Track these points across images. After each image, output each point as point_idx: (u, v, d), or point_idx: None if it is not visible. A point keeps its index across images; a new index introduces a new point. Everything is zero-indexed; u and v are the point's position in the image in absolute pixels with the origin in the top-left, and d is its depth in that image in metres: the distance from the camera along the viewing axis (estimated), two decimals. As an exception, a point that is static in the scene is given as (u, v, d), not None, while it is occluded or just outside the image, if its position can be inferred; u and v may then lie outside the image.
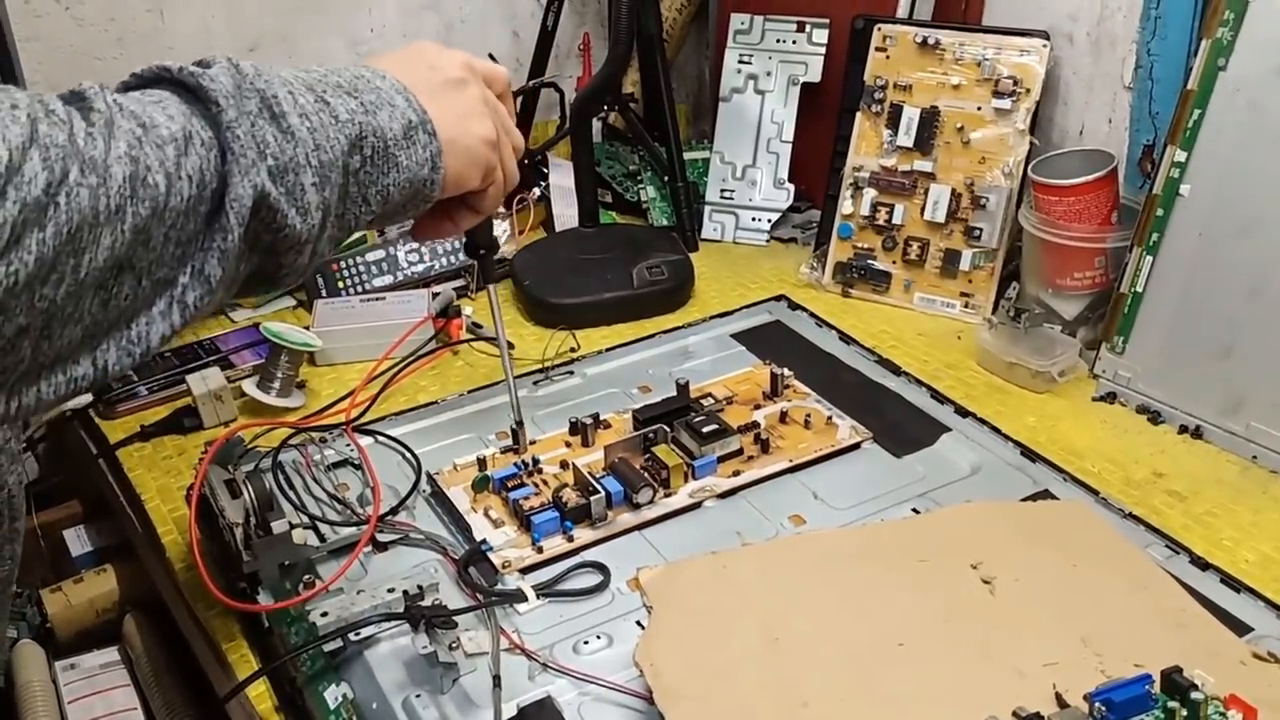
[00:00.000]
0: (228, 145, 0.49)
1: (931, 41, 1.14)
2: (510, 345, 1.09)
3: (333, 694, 0.72)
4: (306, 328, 1.07)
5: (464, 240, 0.84)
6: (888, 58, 1.16)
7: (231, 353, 1.09)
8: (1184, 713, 0.54)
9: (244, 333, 1.13)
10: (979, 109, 1.12)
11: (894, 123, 1.16)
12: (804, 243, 1.31)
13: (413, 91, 0.59)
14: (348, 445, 0.92)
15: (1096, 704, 0.55)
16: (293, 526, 0.79)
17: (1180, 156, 0.95)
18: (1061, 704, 0.58)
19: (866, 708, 0.60)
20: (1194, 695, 0.54)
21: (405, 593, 0.74)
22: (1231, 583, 0.77)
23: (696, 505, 0.86)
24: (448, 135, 0.60)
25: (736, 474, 0.88)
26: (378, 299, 1.13)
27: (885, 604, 0.68)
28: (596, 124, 1.42)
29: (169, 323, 0.48)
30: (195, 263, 0.48)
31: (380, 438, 0.94)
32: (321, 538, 0.82)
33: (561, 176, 1.32)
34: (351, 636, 0.72)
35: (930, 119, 1.14)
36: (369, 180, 0.56)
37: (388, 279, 1.19)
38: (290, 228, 0.51)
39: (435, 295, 1.13)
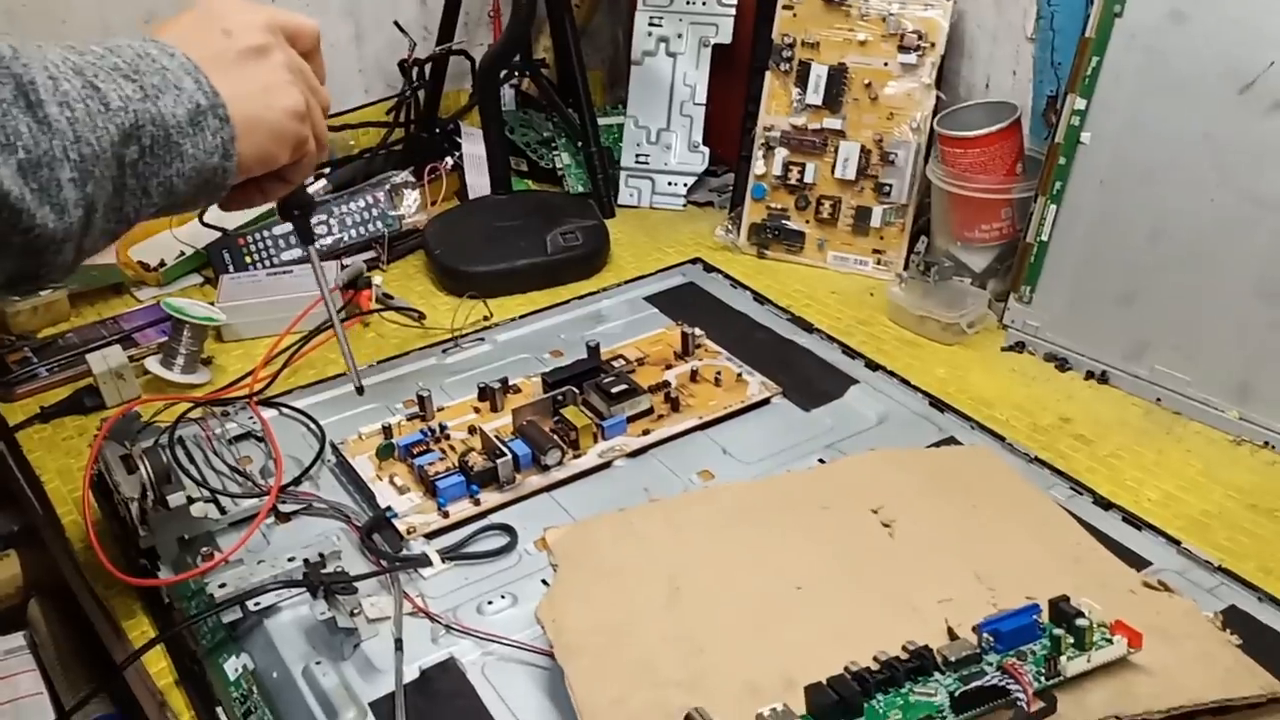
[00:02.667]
0: None
1: (837, -2, 1.14)
2: (421, 315, 1.08)
3: (233, 665, 0.70)
4: (212, 304, 1.05)
5: (278, 202, 0.77)
6: (795, 15, 1.16)
7: (135, 331, 1.07)
8: (1070, 640, 0.55)
9: (148, 311, 1.11)
10: (886, 65, 1.12)
11: (803, 81, 1.15)
12: (721, 206, 1.31)
13: (205, 69, 0.55)
14: (251, 419, 0.90)
15: (985, 634, 0.56)
16: (191, 500, 0.77)
17: (1080, 104, 0.95)
18: (953, 637, 0.58)
19: (761, 650, 0.60)
20: (1079, 622, 0.55)
21: (306, 561, 0.73)
22: (1133, 521, 0.78)
23: (606, 465, 0.85)
24: (246, 114, 0.56)
25: (646, 433, 0.88)
26: (285, 272, 1.11)
27: (786, 551, 0.68)
28: (509, 91, 1.40)
29: None
30: None
31: (284, 410, 0.93)
32: (222, 510, 0.80)
33: (474, 145, 1.30)
34: (250, 606, 0.71)
35: (838, 76, 1.14)
36: (149, 172, 0.52)
37: (296, 252, 1.17)
38: (42, 227, 0.47)
39: (344, 267, 1.11)
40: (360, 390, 0.87)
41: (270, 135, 0.58)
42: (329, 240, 1.18)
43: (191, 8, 0.59)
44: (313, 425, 0.90)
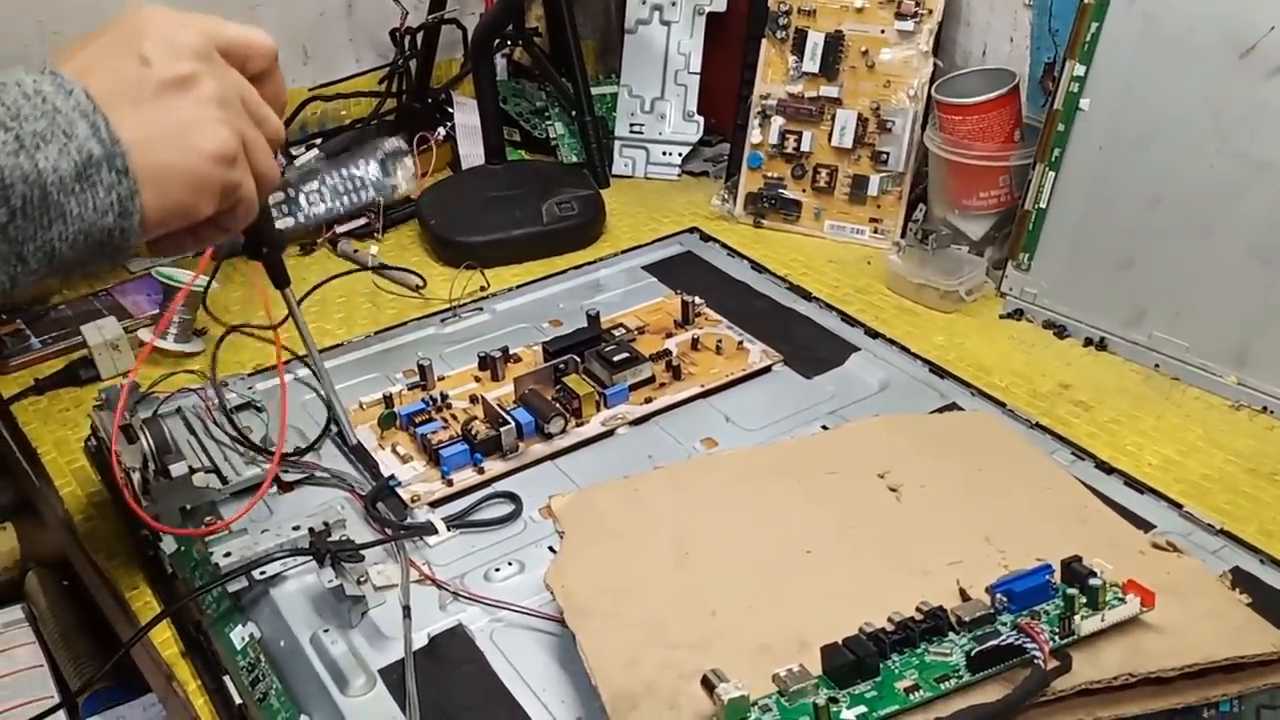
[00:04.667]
0: None
1: (834, -35, 1.13)
2: (422, 282, 1.08)
3: (239, 634, 0.70)
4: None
5: (241, 241, 0.65)
6: (791, -17, 1.15)
7: (128, 302, 1.06)
8: (1083, 599, 0.55)
9: (141, 283, 1.10)
10: (882, 32, 1.12)
11: (799, 49, 1.15)
12: (716, 176, 1.30)
13: (110, 106, 0.47)
14: (249, 388, 0.90)
15: (998, 595, 0.56)
16: (193, 470, 0.77)
17: (1079, 70, 0.95)
18: (965, 598, 0.58)
19: (773, 612, 0.60)
20: (1092, 582, 0.55)
21: (311, 530, 0.73)
22: (1135, 485, 0.79)
23: (609, 433, 0.85)
24: (155, 161, 0.48)
25: (648, 401, 0.88)
26: None
27: (793, 515, 0.68)
28: (502, 61, 1.39)
29: None
30: None
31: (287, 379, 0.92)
32: (224, 480, 0.80)
33: (467, 115, 1.29)
34: (256, 575, 0.71)
35: (835, 43, 1.13)
36: (23, 236, 0.45)
37: (289, 221, 1.15)
38: None
39: (336, 244, 1.11)
40: (356, 448, 0.82)
41: (186, 185, 0.50)
42: (320, 209, 1.17)
43: (116, 20, 0.51)
44: (318, 395, 0.90)
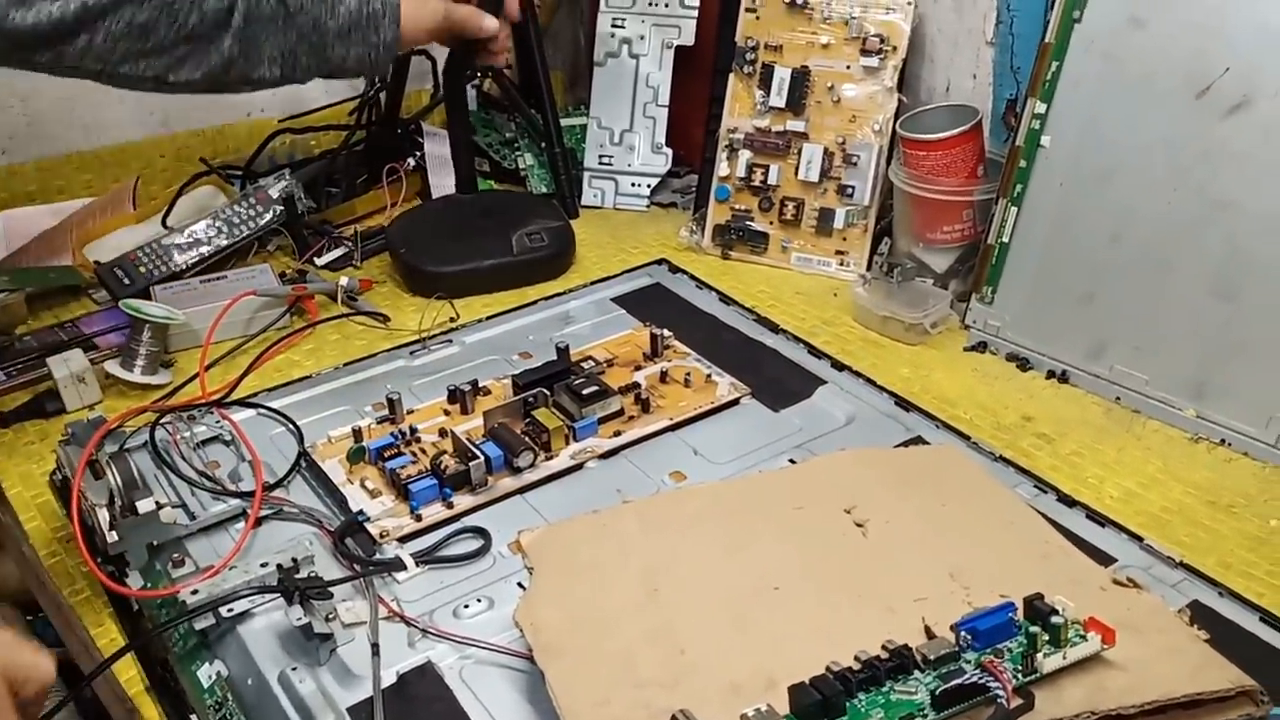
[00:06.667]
0: None
1: (800, 1, 1.14)
2: (387, 318, 1.08)
3: (206, 672, 0.70)
4: (174, 306, 1.04)
5: None
6: (758, 18, 1.17)
7: (95, 335, 1.05)
8: (1045, 637, 0.56)
9: (107, 315, 1.09)
10: (848, 68, 1.13)
11: (766, 83, 1.16)
12: (684, 207, 1.31)
13: None
14: (218, 422, 0.89)
15: (962, 633, 0.57)
16: (160, 506, 0.76)
17: (1040, 108, 0.97)
18: (930, 635, 0.59)
19: (741, 649, 0.61)
20: (1054, 620, 0.56)
21: (279, 566, 0.73)
22: (1096, 518, 0.80)
23: (578, 467, 0.85)
24: None
25: (617, 434, 0.88)
26: (219, 278, 1.10)
27: (762, 551, 0.69)
28: (471, 92, 1.40)
29: None
30: None
31: (262, 410, 0.92)
32: (191, 516, 0.79)
33: (437, 145, 1.29)
34: (224, 612, 0.70)
35: (801, 79, 1.15)
36: None
37: (190, 256, 1.13)
38: None
39: (303, 274, 1.11)
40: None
41: None
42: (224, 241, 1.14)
43: None
44: (291, 427, 0.89)
